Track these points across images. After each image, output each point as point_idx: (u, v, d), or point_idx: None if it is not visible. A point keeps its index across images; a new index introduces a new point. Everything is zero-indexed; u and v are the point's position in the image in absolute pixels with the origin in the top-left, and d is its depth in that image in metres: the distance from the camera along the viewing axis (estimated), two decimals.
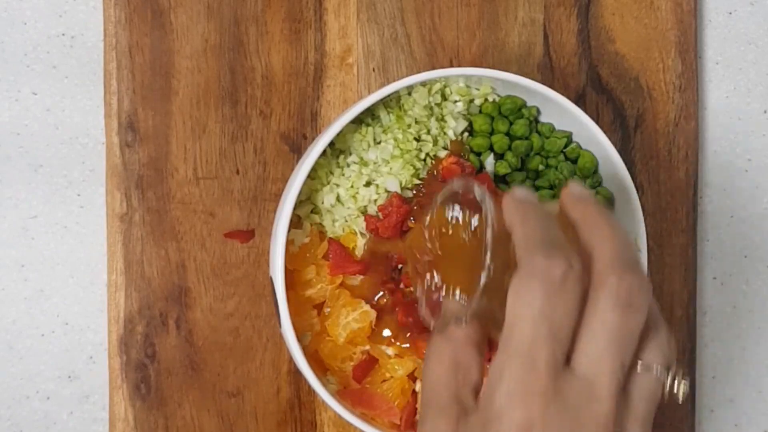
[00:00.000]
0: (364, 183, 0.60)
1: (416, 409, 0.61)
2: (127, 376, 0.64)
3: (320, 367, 0.60)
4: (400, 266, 0.60)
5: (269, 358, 0.65)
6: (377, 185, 0.60)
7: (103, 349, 0.66)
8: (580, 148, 0.63)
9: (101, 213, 0.65)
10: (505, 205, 0.45)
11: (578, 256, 0.41)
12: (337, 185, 0.60)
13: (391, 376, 0.60)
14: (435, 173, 0.61)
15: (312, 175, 0.59)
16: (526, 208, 0.44)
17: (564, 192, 0.47)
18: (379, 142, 0.61)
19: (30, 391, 0.66)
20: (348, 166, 0.60)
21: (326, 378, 0.60)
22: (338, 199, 0.60)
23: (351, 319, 0.59)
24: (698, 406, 0.72)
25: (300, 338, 0.58)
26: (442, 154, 0.61)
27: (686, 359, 0.71)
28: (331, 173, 0.60)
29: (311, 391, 0.57)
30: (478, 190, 0.47)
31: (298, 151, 0.66)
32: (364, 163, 0.60)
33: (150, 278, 0.64)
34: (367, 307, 0.59)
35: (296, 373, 0.65)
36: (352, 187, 0.60)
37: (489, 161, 0.62)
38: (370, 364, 0.60)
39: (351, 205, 0.60)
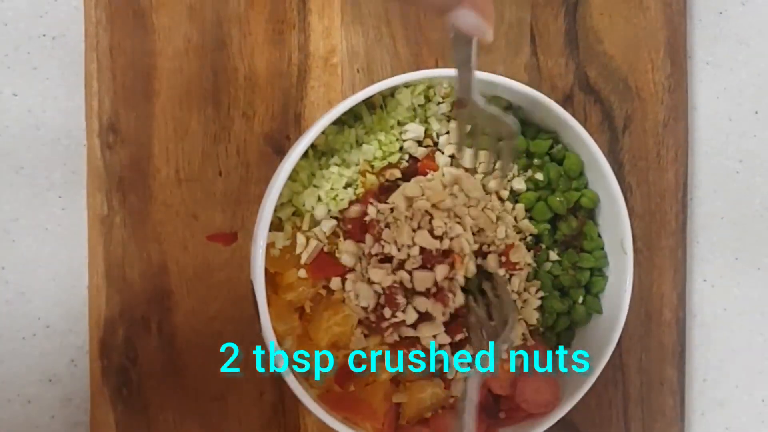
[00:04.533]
0: (343, 185, 0.59)
1: (399, 413, 0.60)
2: (109, 379, 0.63)
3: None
4: None
5: (252, 362, 0.65)
6: (356, 186, 0.59)
7: (85, 353, 0.65)
8: (566, 150, 0.62)
9: (83, 215, 0.65)
10: None
11: None
12: (317, 187, 0.59)
13: (374, 380, 0.59)
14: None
15: (294, 177, 0.59)
16: None
17: None
18: (362, 144, 0.60)
19: (11, 395, 0.65)
20: (328, 167, 0.60)
21: (308, 382, 0.59)
22: (319, 201, 0.59)
23: (332, 323, 0.58)
24: (688, 409, 0.72)
25: (281, 342, 0.57)
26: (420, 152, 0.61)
27: (676, 362, 0.70)
28: (313, 175, 0.60)
29: (295, 396, 0.56)
30: None
31: (281, 152, 0.65)
32: (345, 165, 0.60)
33: (131, 281, 0.64)
34: (348, 311, 0.58)
35: (279, 377, 0.64)
36: (332, 189, 0.59)
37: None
38: (349, 371, 0.59)
39: (332, 207, 0.59)
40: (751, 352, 0.73)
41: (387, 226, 0.58)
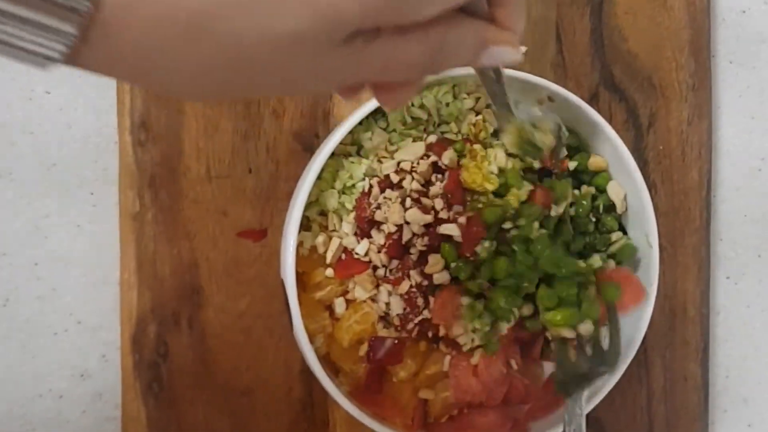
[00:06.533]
0: (362, 175, 0.59)
1: (426, 411, 0.61)
2: (140, 375, 0.64)
3: (332, 368, 0.60)
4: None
5: (281, 357, 0.65)
6: (373, 173, 0.60)
7: (116, 348, 0.66)
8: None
9: (114, 212, 0.65)
10: None
11: None
12: (337, 180, 0.60)
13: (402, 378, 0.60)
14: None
15: (320, 176, 0.59)
16: None
17: None
18: (389, 138, 0.61)
19: (43, 390, 0.66)
20: (348, 157, 0.60)
21: (339, 379, 0.60)
22: (340, 196, 0.59)
23: (353, 321, 0.58)
24: (711, 406, 0.72)
25: (312, 340, 0.57)
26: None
27: (699, 359, 0.70)
28: (337, 172, 0.60)
29: (323, 390, 0.57)
30: None
31: (310, 150, 0.66)
32: (365, 155, 0.60)
33: (162, 277, 0.64)
34: (368, 309, 0.59)
35: (308, 372, 0.65)
36: (350, 178, 0.59)
37: None
38: (380, 369, 0.59)
39: (348, 203, 0.59)
40: None
41: (378, 207, 0.58)
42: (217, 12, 0.30)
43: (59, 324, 0.66)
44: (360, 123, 0.59)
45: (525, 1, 0.39)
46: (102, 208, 0.66)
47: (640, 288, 0.61)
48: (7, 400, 0.65)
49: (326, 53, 0.33)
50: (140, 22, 0.30)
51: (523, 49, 0.40)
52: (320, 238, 0.59)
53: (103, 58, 0.31)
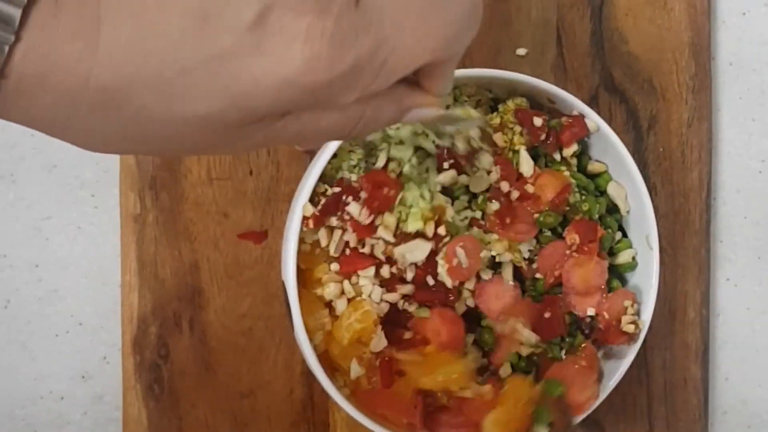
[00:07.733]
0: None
1: (426, 402, 0.60)
2: (141, 376, 0.64)
3: (330, 366, 0.59)
4: None
5: (282, 359, 0.66)
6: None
7: (117, 350, 0.66)
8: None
9: (115, 214, 0.65)
10: None
11: None
12: (338, 172, 0.59)
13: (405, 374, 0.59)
14: None
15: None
16: None
17: None
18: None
19: (44, 391, 0.66)
20: (354, 151, 0.59)
21: (337, 378, 0.59)
22: None
23: (353, 319, 0.58)
24: (711, 407, 0.72)
25: (311, 338, 0.57)
26: None
27: (699, 360, 0.70)
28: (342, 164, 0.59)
29: (324, 392, 0.57)
30: None
31: (311, 151, 0.66)
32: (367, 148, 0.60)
33: (163, 279, 0.64)
34: (368, 307, 0.58)
35: (309, 373, 0.65)
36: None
37: None
38: (390, 365, 0.59)
39: None
40: None
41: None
42: (128, 90, 0.30)
43: (60, 325, 0.66)
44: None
45: (454, 73, 0.38)
46: (103, 209, 0.66)
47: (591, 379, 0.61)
48: (7, 401, 0.65)
49: (235, 130, 0.33)
50: (49, 93, 0.30)
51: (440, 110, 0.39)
52: (322, 232, 0.58)
53: (15, 116, 0.31)
